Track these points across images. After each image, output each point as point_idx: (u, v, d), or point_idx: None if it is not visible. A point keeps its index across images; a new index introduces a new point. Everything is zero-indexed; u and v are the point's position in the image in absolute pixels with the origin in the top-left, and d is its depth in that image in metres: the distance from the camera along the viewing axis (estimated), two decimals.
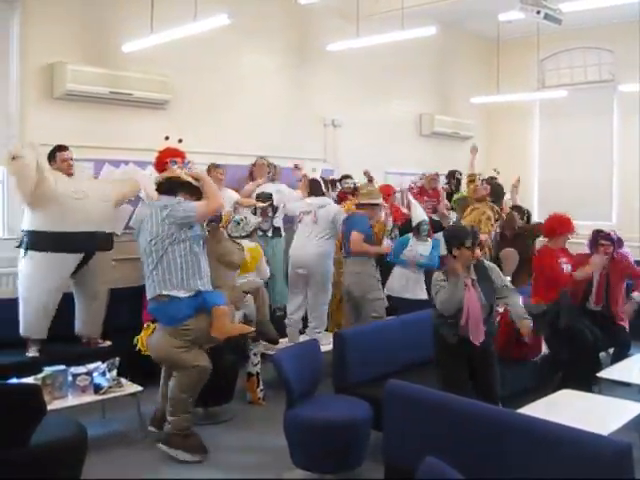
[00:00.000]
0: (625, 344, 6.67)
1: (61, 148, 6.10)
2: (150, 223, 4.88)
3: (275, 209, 7.65)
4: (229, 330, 5.01)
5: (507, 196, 9.69)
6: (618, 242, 6.87)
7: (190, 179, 5.07)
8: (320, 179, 7.36)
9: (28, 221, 5.90)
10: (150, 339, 5.09)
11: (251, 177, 7.88)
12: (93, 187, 6.21)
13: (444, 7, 8.91)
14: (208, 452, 4.91)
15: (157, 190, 5.16)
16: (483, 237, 7.10)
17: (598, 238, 6.75)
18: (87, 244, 6.02)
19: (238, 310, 5.69)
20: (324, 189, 7.28)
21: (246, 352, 6.07)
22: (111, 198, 6.27)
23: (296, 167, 8.01)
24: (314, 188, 7.20)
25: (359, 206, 6.89)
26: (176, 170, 6.52)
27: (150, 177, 6.83)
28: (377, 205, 6.87)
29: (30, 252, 5.88)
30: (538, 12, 6.85)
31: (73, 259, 5.98)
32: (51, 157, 6.06)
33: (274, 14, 8.56)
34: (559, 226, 6.45)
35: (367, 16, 8.29)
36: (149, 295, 4.93)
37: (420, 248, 7.27)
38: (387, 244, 6.99)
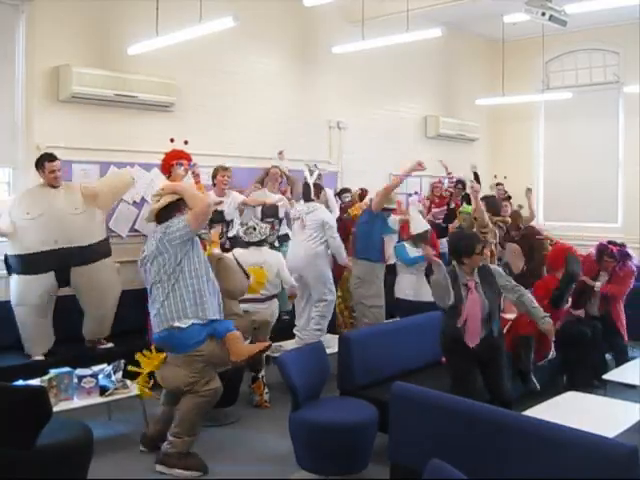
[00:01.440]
0: (622, 352, 6.68)
1: (50, 158, 5.96)
2: (155, 254, 4.74)
3: (280, 221, 7.63)
4: (249, 351, 4.90)
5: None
6: (624, 256, 6.84)
7: (169, 198, 4.82)
8: (311, 185, 7.27)
9: (7, 245, 5.91)
10: (162, 371, 4.93)
11: (262, 183, 7.84)
12: (57, 201, 5.94)
13: (449, 9, 8.91)
14: (208, 471, 4.78)
15: (157, 222, 4.90)
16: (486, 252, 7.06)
17: (604, 255, 6.78)
18: (56, 262, 5.85)
19: (246, 340, 5.56)
20: (312, 196, 7.19)
21: None
22: (82, 209, 6.02)
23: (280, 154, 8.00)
24: (304, 193, 7.20)
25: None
26: (179, 171, 6.55)
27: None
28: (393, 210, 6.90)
29: (13, 275, 5.91)
30: (543, 14, 6.86)
31: (45, 278, 5.85)
32: (38, 166, 5.96)
33: (279, 16, 8.58)
34: (560, 257, 6.39)
35: (372, 18, 8.29)
36: (158, 327, 4.78)
37: (416, 252, 7.28)
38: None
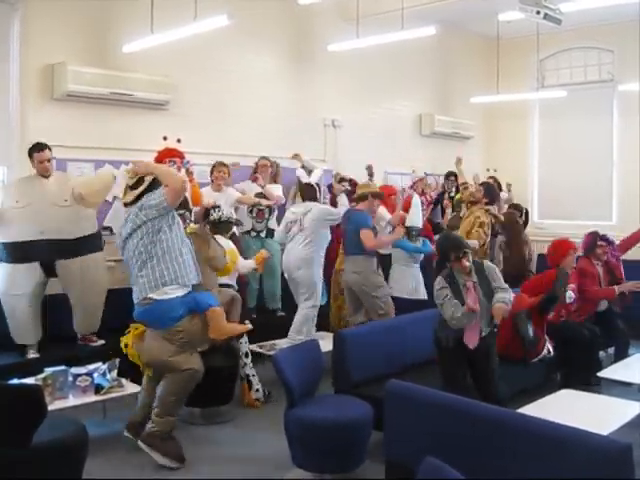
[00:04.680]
0: (624, 343, 6.72)
1: (39, 148, 5.94)
2: (133, 228, 4.73)
3: (271, 210, 7.60)
4: (228, 331, 4.96)
5: (505, 195, 9.76)
6: (612, 242, 7.08)
7: (149, 178, 4.81)
8: (316, 185, 7.23)
9: None
10: (140, 344, 4.96)
11: (254, 177, 7.85)
12: (47, 192, 5.93)
13: (444, 7, 8.91)
14: (185, 461, 4.81)
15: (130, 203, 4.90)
16: (473, 243, 7.08)
17: (596, 240, 6.88)
18: (40, 253, 5.83)
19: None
20: (318, 195, 7.17)
21: (236, 355, 5.92)
22: (71, 201, 5.97)
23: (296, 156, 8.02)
24: (308, 193, 7.10)
25: (357, 199, 6.89)
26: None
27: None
28: (375, 196, 6.82)
29: (1, 263, 5.90)
30: (538, 12, 6.85)
31: (32, 267, 5.86)
32: (29, 156, 5.96)
33: (274, 15, 8.57)
34: (559, 251, 6.44)
35: (367, 16, 8.29)
36: (137, 297, 4.81)
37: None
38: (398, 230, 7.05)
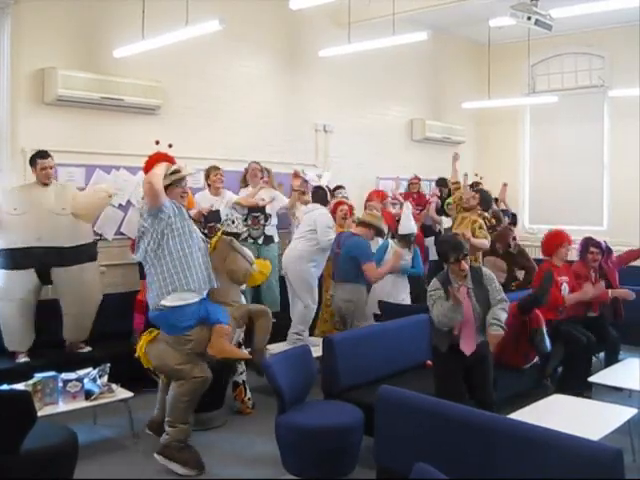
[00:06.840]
0: (615, 349, 6.72)
1: (42, 155, 5.98)
2: (139, 235, 4.82)
3: (267, 217, 7.58)
4: (227, 352, 4.90)
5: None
6: (607, 251, 7.07)
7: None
8: (326, 187, 7.31)
9: None
10: (151, 347, 4.93)
11: (244, 182, 7.84)
12: (46, 199, 5.95)
13: (435, 13, 8.94)
14: (205, 469, 4.78)
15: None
16: (482, 243, 7.25)
17: (589, 245, 6.85)
18: (36, 260, 5.84)
19: (241, 327, 5.53)
20: (328, 197, 7.23)
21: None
22: (68, 211, 6.03)
23: (296, 175, 8.02)
24: (317, 196, 7.14)
25: (359, 223, 6.71)
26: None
27: None
28: (377, 230, 6.64)
29: None
30: (529, 18, 6.89)
31: (27, 274, 5.86)
32: (31, 163, 6.00)
33: (266, 20, 8.57)
34: (552, 241, 6.49)
35: (358, 22, 8.31)
36: (151, 303, 4.81)
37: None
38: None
